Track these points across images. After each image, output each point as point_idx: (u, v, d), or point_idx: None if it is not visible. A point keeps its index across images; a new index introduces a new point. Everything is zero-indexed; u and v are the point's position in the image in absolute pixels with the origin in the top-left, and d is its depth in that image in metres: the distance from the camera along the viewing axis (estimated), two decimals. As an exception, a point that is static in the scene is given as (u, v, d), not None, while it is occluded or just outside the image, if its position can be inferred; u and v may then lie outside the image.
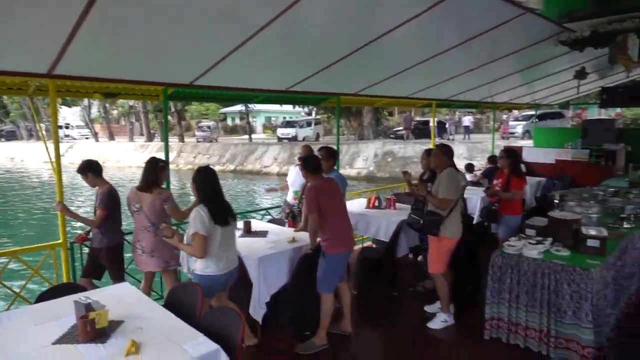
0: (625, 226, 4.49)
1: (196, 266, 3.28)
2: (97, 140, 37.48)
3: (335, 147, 5.23)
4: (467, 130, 25.27)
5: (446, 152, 4.23)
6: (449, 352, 3.91)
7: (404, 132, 26.14)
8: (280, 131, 30.55)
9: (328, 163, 4.64)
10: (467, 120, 25.88)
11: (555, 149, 9.51)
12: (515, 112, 23.77)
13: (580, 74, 5.99)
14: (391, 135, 27.57)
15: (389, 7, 3.68)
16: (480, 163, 15.13)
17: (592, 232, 3.75)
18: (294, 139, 28.60)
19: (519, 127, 22.99)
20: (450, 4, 3.65)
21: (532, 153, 9.73)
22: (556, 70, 7.37)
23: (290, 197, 5.77)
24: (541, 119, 21.98)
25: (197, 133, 34.24)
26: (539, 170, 9.44)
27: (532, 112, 22.10)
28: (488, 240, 5.42)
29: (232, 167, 25.93)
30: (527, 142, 16.41)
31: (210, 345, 2.27)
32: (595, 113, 24.56)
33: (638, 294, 4.70)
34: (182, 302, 2.93)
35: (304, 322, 4.09)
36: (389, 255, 4.99)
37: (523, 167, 9.32)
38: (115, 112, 42.81)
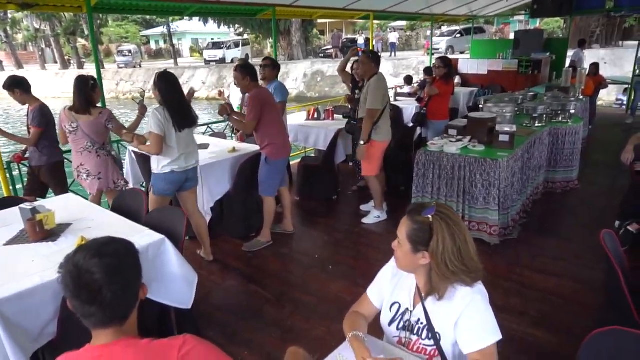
0: (536, 125, 5.01)
1: (153, 166, 3.45)
2: (2, 69, 32.95)
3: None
4: (393, 47, 25.65)
5: (374, 59, 4.37)
6: (378, 241, 4.38)
7: (332, 50, 26.00)
8: (207, 53, 29.07)
9: (273, 72, 4.76)
10: (393, 37, 26.40)
11: (488, 60, 9.91)
12: (444, 29, 24.34)
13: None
14: (320, 55, 27.35)
15: None
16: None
17: (505, 128, 4.18)
18: (221, 61, 27.38)
19: (442, 43, 23.52)
20: None
21: (467, 64, 10.10)
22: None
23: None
24: (463, 35, 22.60)
25: (117, 58, 31.52)
26: (473, 81, 9.89)
27: (456, 28, 22.61)
28: (418, 144, 5.85)
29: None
30: (452, 57, 17.01)
31: (156, 236, 2.50)
32: (517, 27, 25.54)
33: (545, 184, 5.37)
34: (129, 205, 3.10)
35: (250, 225, 4.42)
36: (327, 162, 5.31)
37: (458, 78, 9.75)
38: (19, 36, 38.26)
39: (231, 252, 4.17)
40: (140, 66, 30.50)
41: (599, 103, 10.98)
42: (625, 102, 11.09)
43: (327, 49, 27.79)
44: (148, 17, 35.99)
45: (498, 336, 1.43)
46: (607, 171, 6.24)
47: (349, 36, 30.30)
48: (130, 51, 31.54)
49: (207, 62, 28.26)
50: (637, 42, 10.88)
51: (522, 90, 7.27)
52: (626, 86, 11.06)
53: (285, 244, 4.31)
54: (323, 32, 35.27)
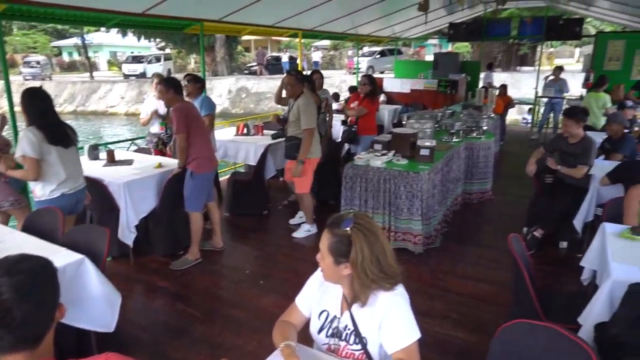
0: (454, 140, 5.37)
1: (35, 193, 3.18)
2: None
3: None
4: (317, 66, 26.47)
5: (301, 79, 4.47)
6: (309, 254, 4.41)
7: (257, 67, 26.35)
8: (127, 67, 27.76)
9: (195, 87, 4.70)
10: (317, 56, 27.52)
11: (410, 79, 10.50)
12: (365, 49, 25.77)
13: (423, 7, 6.62)
14: (245, 71, 27.54)
15: None
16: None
17: (426, 143, 4.44)
18: (142, 75, 26.27)
19: (363, 63, 24.71)
20: None
21: (392, 83, 10.62)
22: (409, 4, 7.99)
23: (156, 129, 5.65)
24: (382, 55, 23.99)
25: (23, 70, 28.96)
26: (397, 99, 10.41)
27: (376, 49, 24.02)
28: (347, 158, 6.02)
29: (71, 107, 23.54)
30: (377, 76, 18.03)
31: (74, 256, 2.36)
32: (431, 50, 27.73)
33: (463, 195, 5.75)
34: (43, 225, 2.90)
35: (177, 242, 4.29)
36: (257, 177, 5.31)
37: (383, 96, 10.20)
38: None
39: (158, 271, 4.02)
40: (51, 79, 28.49)
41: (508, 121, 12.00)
42: (530, 121, 12.19)
43: (252, 66, 27.98)
44: (60, 26, 33.63)
45: (418, 334, 1.52)
46: (517, 182, 6.80)
47: (274, 54, 30.81)
48: (38, 62, 29.23)
49: (127, 76, 27.06)
50: (531, 67, 12.07)
51: (441, 108, 7.78)
52: (530, 106, 12.18)
53: (214, 260, 4.23)
54: (248, 49, 35.39)
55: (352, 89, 8.57)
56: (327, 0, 6.50)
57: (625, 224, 3.02)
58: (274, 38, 25.58)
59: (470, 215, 5.50)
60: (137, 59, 28.48)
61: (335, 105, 8.80)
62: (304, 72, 5.33)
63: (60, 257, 2.35)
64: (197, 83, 4.74)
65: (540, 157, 4.55)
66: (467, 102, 9.05)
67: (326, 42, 30.40)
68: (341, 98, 9.41)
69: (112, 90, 23.90)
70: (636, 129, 5.66)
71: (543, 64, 27.24)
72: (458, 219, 5.27)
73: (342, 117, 7.61)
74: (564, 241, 4.50)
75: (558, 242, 4.51)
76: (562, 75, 9.84)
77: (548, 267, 4.07)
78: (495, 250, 4.42)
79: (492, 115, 7.47)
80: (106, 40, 37.08)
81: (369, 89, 5.65)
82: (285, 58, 26.02)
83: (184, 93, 4.68)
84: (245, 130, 5.96)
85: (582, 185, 4.16)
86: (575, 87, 11.14)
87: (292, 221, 5.06)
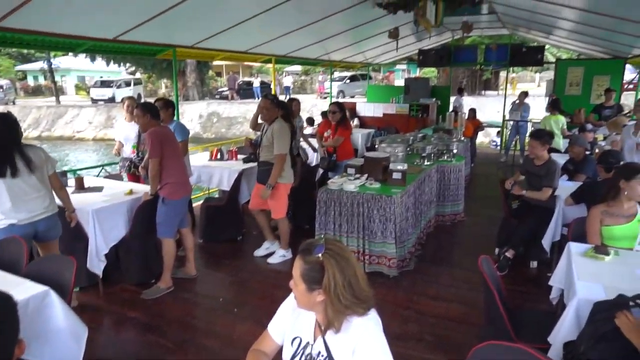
0: (426, 163, 5.48)
1: None
2: None
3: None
4: (288, 91, 26.84)
5: (277, 103, 4.50)
6: (284, 279, 4.37)
7: (228, 92, 26.63)
8: (95, 92, 27.45)
9: (166, 113, 4.68)
10: (288, 81, 27.81)
11: (383, 103, 10.73)
12: (335, 74, 26.48)
13: (393, 34, 6.84)
14: (216, 96, 27.75)
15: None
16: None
17: (397, 167, 4.52)
18: (110, 100, 26.06)
19: (334, 87, 25.24)
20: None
21: (364, 108, 10.83)
22: (380, 31, 8.23)
23: (128, 152, 5.57)
24: (352, 80, 24.66)
25: None
26: (370, 123, 10.61)
27: (345, 74, 24.67)
28: (321, 182, 6.04)
29: (36, 133, 23.13)
30: (342, 101, 18.55)
31: (38, 288, 2.28)
32: (400, 75, 28.64)
33: (436, 218, 5.84)
34: (6, 256, 2.79)
35: (149, 270, 4.19)
36: (231, 202, 5.27)
37: (357, 120, 10.36)
38: None
39: (128, 301, 3.90)
40: (14, 103, 27.84)
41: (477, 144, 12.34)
42: (499, 143, 12.57)
43: (223, 91, 28.21)
44: (25, 50, 33.05)
45: (391, 359, 1.52)
46: (488, 203, 6.95)
47: (246, 79, 31.15)
48: (1, 86, 28.59)
49: (95, 100, 26.69)
50: (494, 92, 12.54)
51: (413, 131, 7.96)
52: (498, 129, 12.57)
53: (187, 288, 4.14)
54: (220, 73, 35.60)
55: (324, 114, 8.69)
56: (299, 27, 6.65)
57: (589, 243, 3.12)
58: (246, 63, 25.81)
59: (443, 237, 5.58)
60: (106, 84, 28.12)
61: (309, 130, 8.91)
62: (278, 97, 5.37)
63: (24, 289, 2.26)
64: (169, 108, 4.73)
65: (518, 180, 4.68)
66: (437, 125, 9.27)
67: (297, 68, 30.92)
68: (315, 123, 9.50)
69: (79, 115, 23.54)
70: (597, 150, 5.90)
71: (508, 88, 28.63)
72: (431, 241, 5.33)
73: (314, 141, 7.69)
74: (534, 261, 4.61)
75: (529, 261, 4.62)
76: (526, 100, 10.24)
77: (519, 287, 4.15)
78: (468, 271, 4.48)
79: (462, 138, 7.67)
80: (74, 65, 36.48)
81: (339, 116, 5.69)
82: (256, 83, 26.31)
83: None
84: (219, 155, 5.94)
85: (548, 205, 4.30)
86: (537, 110, 11.59)
87: (257, 252, 4.91)
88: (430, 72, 25.63)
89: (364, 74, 24.35)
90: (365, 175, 4.53)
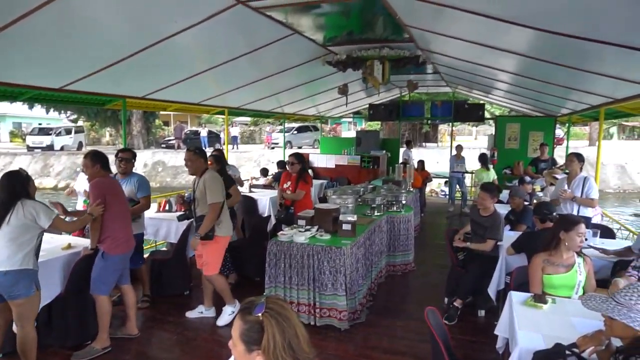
0: (376, 214, 5.58)
1: None
2: None
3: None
4: (235, 141, 27.12)
5: (201, 155, 4.36)
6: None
7: (175, 141, 26.63)
8: (31, 139, 26.37)
9: (132, 164, 4.57)
10: (235, 131, 28.23)
11: (335, 155, 10.98)
12: (286, 125, 27.31)
13: (342, 90, 7.13)
14: (162, 145, 27.65)
15: (179, 7, 3.77)
16: (247, 170, 18.00)
17: (348, 218, 4.57)
18: (49, 148, 25.19)
19: (281, 138, 25.79)
20: (231, 18, 4.02)
21: (317, 159, 11.03)
22: (332, 87, 8.55)
23: (79, 206, 5.34)
24: (300, 131, 25.60)
25: None
26: (323, 174, 10.78)
27: (293, 125, 25.33)
28: (274, 233, 5.98)
29: None
30: (288, 150, 19.17)
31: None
32: (347, 127, 29.66)
33: (387, 268, 5.88)
34: None
35: (86, 331, 3.90)
36: (179, 255, 5.09)
37: (310, 172, 10.49)
38: None
39: (59, 366, 3.59)
40: None
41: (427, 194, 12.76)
42: (447, 193, 13.05)
43: (169, 140, 28.17)
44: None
45: None
46: (438, 252, 7.11)
47: (193, 128, 31.16)
48: None
49: (31, 148, 25.60)
50: (434, 144, 13.20)
51: (364, 182, 8.14)
52: (447, 179, 13.10)
53: (127, 349, 3.87)
54: (167, 122, 35.43)
55: (280, 164, 8.77)
56: (253, 81, 6.79)
57: (532, 291, 3.23)
58: (187, 113, 25.93)
59: (394, 287, 5.60)
60: (44, 131, 27.08)
61: (262, 180, 8.92)
62: (223, 147, 5.33)
63: None
64: (96, 163, 4.07)
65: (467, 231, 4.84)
66: (387, 177, 9.55)
67: (247, 118, 31.41)
68: (269, 173, 9.52)
69: (12, 163, 22.39)
70: (535, 201, 6.24)
71: (447, 141, 30.74)
72: (383, 292, 5.34)
73: (267, 192, 7.69)
74: (482, 310, 4.69)
75: (477, 310, 4.69)
76: (462, 153, 10.82)
77: (468, 337, 4.19)
78: (419, 322, 4.46)
79: (411, 189, 7.91)
80: (10, 110, 35.11)
81: (298, 167, 5.70)
82: (204, 132, 26.33)
83: (121, 169, 4.52)
84: (167, 207, 5.78)
85: (492, 255, 4.45)
86: (474, 163, 12.29)
87: (190, 314, 4.61)
88: (375, 125, 26.91)
89: (312, 125, 25.17)
90: (316, 227, 4.53)
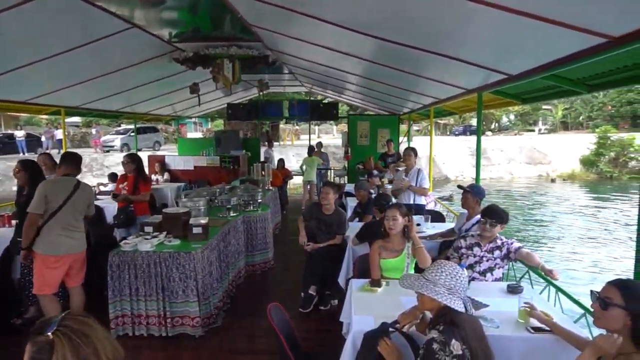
0: (231, 214, 5.52)
1: None
2: None
3: None
4: (61, 144, 24.89)
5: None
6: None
7: None
8: None
9: None
10: (60, 134, 25.90)
11: (193, 156, 10.60)
12: (123, 127, 25.85)
13: (193, 89, 6.91)
14: None
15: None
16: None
17: (199, 221, 4.43)
18: None
19: (117, 141, 24.43)
20: (54, 4, 3.58)
21: (174, 161, 10.53)
22: (186, 85, 8.18)
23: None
24: (140, 133, 23.80)
25: None
26: (182, 176, 10.31)
27: (130, 127, 24.16)
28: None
29: None
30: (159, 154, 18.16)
31: None
32: (192, 128, 29.77)
33: (246, 267, 5.86)
34: None
35: None
36: (1, 279, 4.40)
37: (167, 175, 9.97)
38: None
39: None
40: None
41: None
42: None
43: None
44: None
45: None
46: (298, 248, 7.28)
47: (8, 131, 27.28)
48: None
49: None
50: (276, 143, 13.87)
51: (227, 183, 7.99)
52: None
53: None
54: None
55: (111, 177, 8.45)
56: (95, 76, 6.17)
57: (372, 276, 3.50)
58: (9, 113, 22.57)
59: (254, 287, 5.61)
60: None
61: (110, 186, 8.21)
62: (48, 150, 4.76)
63: None
64: None
65: (305, 224, 5.02)
66: (248, 176, 9.54)
67: (77, 119, 28.56)
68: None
69: None
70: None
71: (292, 140, 32.45)
72: (242, 292, 5.31)
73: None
74: (334, 300, 4.95)
75: (330, 300, 4.93)
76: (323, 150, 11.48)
77: (320, 326, 4.39)
78: (276, 318, 4.55)
79: (270, 188, 8.01)
80: None
81: (133, 167, 5.42)
82: (20, 135, 23.08)
83: None
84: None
85: (341, 246, 4.73)
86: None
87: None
88: (219, 124, 26.99)
89: (152, 126, 23.97)
90: (165, 233, 4.31)
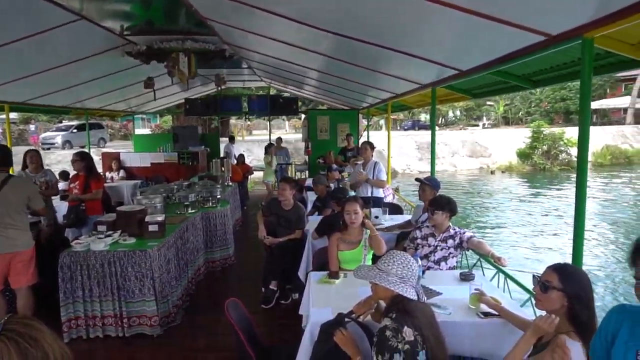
0: (189, 211, 5.43)
1: None
2: None
3: None
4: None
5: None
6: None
7: None
8: None
9: None
10: None
11: (150, 153, 10.33)
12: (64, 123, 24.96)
13: (148, 84, 6.74)
14: None
15: None
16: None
17: (156, 218, 4.34)
18: None
19: (58, 138, 23.13)
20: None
21: (130, 158, 10.23)
22: (141, 79, 7.94)
23: None
24: (81, 130, 22.51)
25: None
26: (138, 173, 10.02)
27: (72, 123, 23.26)
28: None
29: None
30: (68, 152, 17.22)
31: None
32: (139, 124, 29.33)
33: (206, 264, 5.80)
34: None
35: None
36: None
37: (123, 172, 9.68)
38: None
39: None
40: None
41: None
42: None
43: None
44: None
45: None
46: (259, 243, 7.26)
47: None
48: None
49: None
50: (224, 138, 13.94)
51: (186, 179, 7.84)
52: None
53: None
54: None
55: (62, 175, 8.14)
56: (40, 71, 5.87)
57: (330, 268, 3.55)
58: None
59: (214, 283, 5.56)
60: None
61: (61, 185, 7.87)
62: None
63: None
64: None
65: (264, 220, 5.02)
66: (207, 173, 9.41)
67: (14, 115, 27.19)
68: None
69: None
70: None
71: (243, 135, 32.43)
72: (202, 290, 5.25)
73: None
74: (295, 293, 4.97)
75: (291, 294, 4.96)
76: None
77: (281, 320, 4.42)
78: (236, 314, 4.53)
79: (229, 184, 7.93)
80: None
81: (82, 165, 5.24)
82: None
83: None
84: None
85: (301, 239, 4.76)
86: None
87: None
88: (168, 120, 26.50)
89: (97, 123, 23.13)
90: (119, 231, 4.20)
